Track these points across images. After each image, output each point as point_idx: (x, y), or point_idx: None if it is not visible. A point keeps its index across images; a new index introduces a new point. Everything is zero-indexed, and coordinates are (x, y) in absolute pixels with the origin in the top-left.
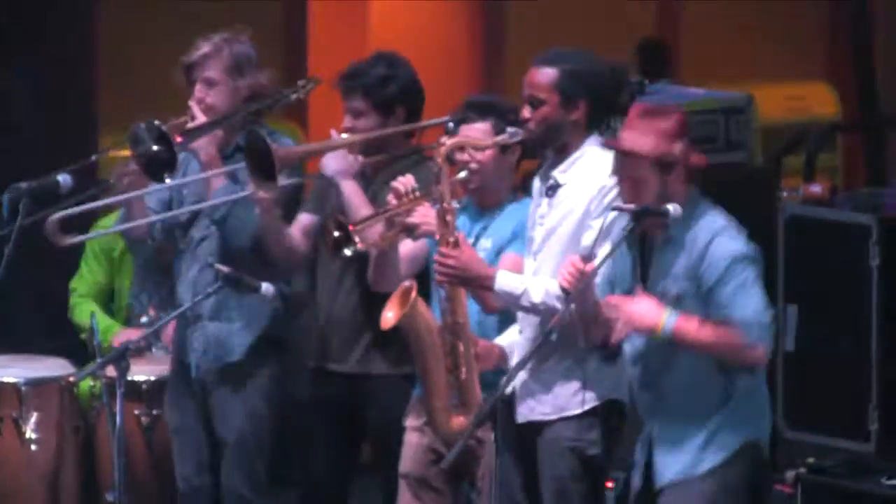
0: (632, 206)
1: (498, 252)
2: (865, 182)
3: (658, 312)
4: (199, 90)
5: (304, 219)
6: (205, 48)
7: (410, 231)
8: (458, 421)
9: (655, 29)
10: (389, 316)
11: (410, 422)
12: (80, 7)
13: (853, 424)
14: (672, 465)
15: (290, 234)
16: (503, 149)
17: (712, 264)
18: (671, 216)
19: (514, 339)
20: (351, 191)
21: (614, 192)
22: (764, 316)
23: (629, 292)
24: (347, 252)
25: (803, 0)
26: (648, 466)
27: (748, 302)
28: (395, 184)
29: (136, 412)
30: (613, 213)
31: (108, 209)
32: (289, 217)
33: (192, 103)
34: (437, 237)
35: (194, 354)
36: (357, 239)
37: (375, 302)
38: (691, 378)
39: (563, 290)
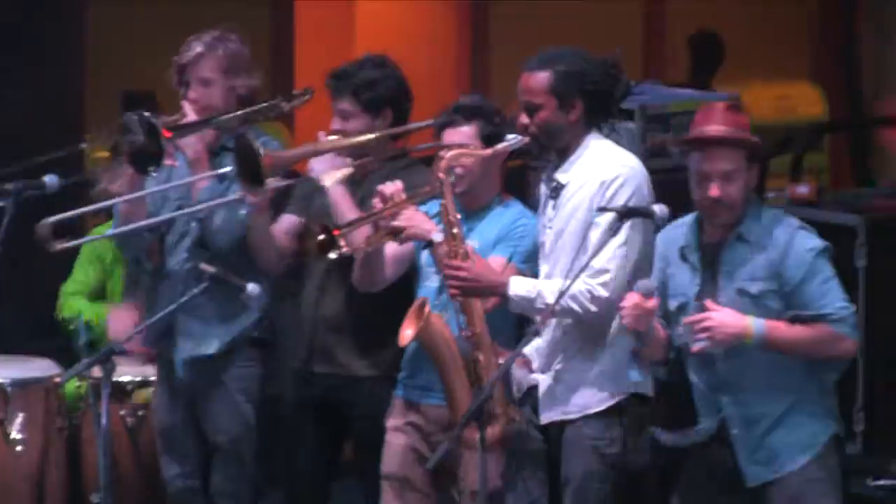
0: (618, 204)
1: (483, 254)
2: (853, 182)
3: (742, 318)
4: (194, 90)
5: (287, 220)
6: (198, 48)
7: (396, 234)
8: (488, 432)
9: (642, 29)
10: (408, 333)
11: (392, 422)
12: (73, 10)
13: None
14: (768, 462)
15: (276, 235)
16: None
17: (796, 261)
18: (657, 217)
19: (537, 345)
20: (337, 193)
21: (615, 186)
22: (850, 308)
23: (688, 303)
24: (332, 255)
25: (789, 0)
26: (725, 463)
27: (835, 296)
28: (380, 187)
29: (122, 413)
30: (608, 214)
31: (101, 214)
32: (272, 217)
33: (186, 103)
34: (447, 249)
35: (173, 351)
36: (342, 242)
37: (360, 303)
38: (770, 375)
39: (636, 332)
